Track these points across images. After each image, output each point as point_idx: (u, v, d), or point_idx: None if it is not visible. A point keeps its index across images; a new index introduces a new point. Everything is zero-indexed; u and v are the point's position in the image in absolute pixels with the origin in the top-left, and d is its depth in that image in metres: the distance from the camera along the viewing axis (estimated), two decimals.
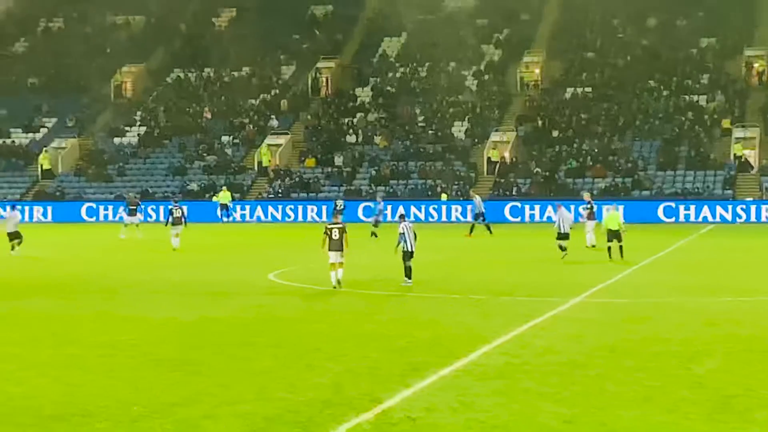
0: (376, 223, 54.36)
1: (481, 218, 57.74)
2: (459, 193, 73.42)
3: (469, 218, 59.60)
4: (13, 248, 42.90)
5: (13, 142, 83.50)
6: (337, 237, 30.41)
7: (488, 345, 21.25)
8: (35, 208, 73.86)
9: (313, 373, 18.63)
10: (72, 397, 17.06)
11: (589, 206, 47.68)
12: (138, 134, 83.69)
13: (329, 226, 30.70)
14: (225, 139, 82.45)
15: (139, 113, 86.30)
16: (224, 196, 72.23)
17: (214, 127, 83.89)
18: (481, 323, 24.58)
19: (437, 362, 19.23)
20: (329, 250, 30.45)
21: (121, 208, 55.68)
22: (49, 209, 74.00)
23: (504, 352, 20.52)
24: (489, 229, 56.82)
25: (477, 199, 58.95)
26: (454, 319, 25.35)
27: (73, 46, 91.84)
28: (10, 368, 19.42)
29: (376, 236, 51.85)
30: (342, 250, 30.41)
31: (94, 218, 72.70)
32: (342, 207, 57.79)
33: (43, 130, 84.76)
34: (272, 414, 15.58)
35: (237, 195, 75.28)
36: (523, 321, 24.49)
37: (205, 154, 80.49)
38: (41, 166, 79.43)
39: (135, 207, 54.01)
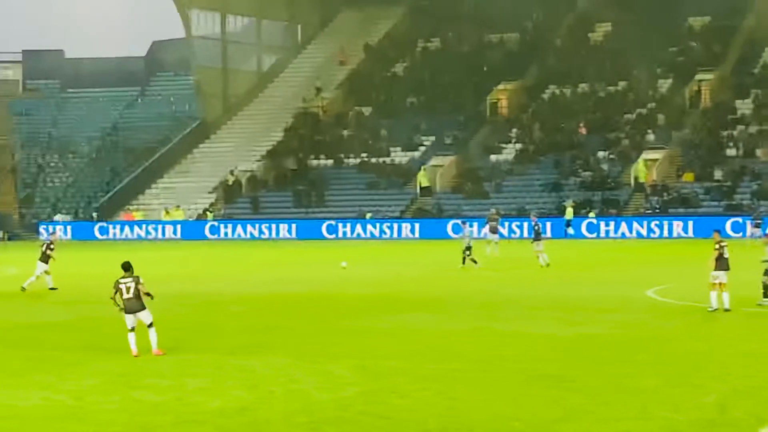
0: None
1: None
2: None
3: None
4: None
5: (393, 160, 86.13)
6: (727, 255, 29.32)
7: None
8: (403, 225, 75.87)
9: (697, 392, 18.13)
10: (454, 411, 17.31)
11: None
12: (514, 151, 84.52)
13: (722, 244, 29.54)
14: (601, 154, 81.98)
15: (514, 130, 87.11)
16: (569, 212, 72.08)
17: (589, 142, 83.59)
18: None
19: None
20: (715, 269, 29.24)
21: (486, 227, 56.09)
22: (417, 226, 75.70)
23: None
24: None
25: None
26: None
27: (450, 66, 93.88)
28: (396, 381, 19.94)
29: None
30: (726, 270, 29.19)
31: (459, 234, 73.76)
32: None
33: (422, 149, 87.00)
34: None
35: (613, 211, 74.66)
36: None
37: (580, 170, 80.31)
38: (419, 183, 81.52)
39: (495, 224, 54.32)
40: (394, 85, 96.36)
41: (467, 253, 45.67)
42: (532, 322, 28.10)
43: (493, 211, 59.71)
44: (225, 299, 35.33)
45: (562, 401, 17.84)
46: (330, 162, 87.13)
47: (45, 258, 38.07)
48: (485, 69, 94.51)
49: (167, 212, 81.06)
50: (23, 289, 37.54)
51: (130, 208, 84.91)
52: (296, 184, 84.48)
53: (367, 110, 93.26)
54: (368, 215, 77.72)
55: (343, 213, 79.83)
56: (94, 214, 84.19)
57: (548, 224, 68.33)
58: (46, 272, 38.18)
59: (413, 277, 42.27)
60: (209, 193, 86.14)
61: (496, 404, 17.76)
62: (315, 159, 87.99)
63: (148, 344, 23.22)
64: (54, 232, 41.00)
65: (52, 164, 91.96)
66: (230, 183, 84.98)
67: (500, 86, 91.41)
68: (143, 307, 23.33)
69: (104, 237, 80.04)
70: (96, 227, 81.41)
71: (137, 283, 23.28)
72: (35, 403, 18.58)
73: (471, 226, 49.96)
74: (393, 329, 27.25)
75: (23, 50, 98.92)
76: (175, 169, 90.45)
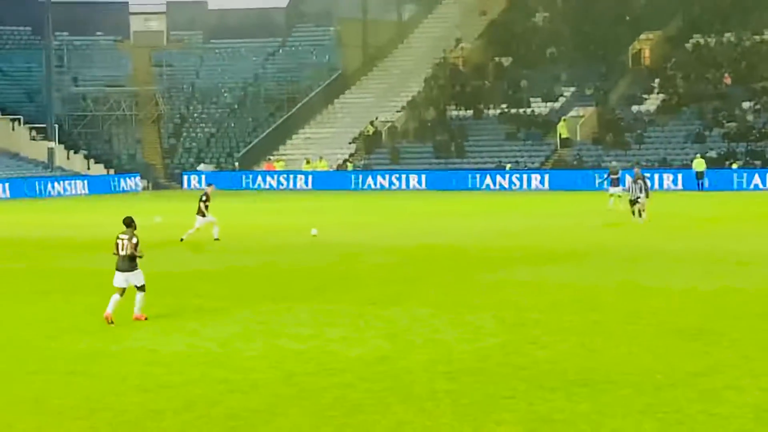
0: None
1: None
2: None
3: None
4: None
5: (533, 111, 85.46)
6: None
7: None
8: (543, 176, 75.10)
9: None
10: (595, 363, 17.22)
11: None
12: (656, 101, 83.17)
13: None
14: (745, 105, 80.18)
15: (656, 81, 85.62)
16: (698, 164, 70.59)
17: (733, 93, 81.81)
18: None
19: None
20: None
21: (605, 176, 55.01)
22: (554, 177, 74.96)
23: None
24: None
25: None
26: None
27: (591, 16, 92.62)
28: (535, 333, 19.90)
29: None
30: None
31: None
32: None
33: (562, 99, 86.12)
34: None
35: (757, 162, 73.08)
36: None
37: (724, 121, 78.72)
38: (559, 135, 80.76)
39: (616, 177, 53.11)
40: (534, 36, 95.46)
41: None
42: (673, 276, 27.73)
43: (615, 164, 58.44)
44: (365, 250, 35.56)
45: (704, 355, 17.63)
46: (469, 113, 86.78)
47: (201, 211, 38.17)
48: (627, 18, 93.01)
49: (308, 162, 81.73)
50: (181, 239, 37.83)
51: (271, 158, 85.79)
52: (436, 135, 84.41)
53: (506, 61, 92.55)
54: (507, 166, 77.32)
55: (482, 164, 79.57)
56: (236, 164, 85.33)
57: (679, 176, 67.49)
58: (213, 223, 38.36)
59: (553, 228, 42.02)
60: (349, 143, 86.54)
61: (637, 357, 17.62)
62: (455, 110, 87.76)
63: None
64: (211, 184, 41.15)
65: (195, 115, 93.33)
66: (370, 134, 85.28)
67: (643, 36, 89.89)
68: (135, 268, 21.62)
69: (246, 187, 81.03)
70: (240, 177, 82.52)
71: (131, 240, 21.53)
72: (180, 349, 18.98)
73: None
74: (533, 281, 27.15)
75: (167, 1, 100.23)
76: (315, 120, 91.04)
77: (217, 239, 37.95)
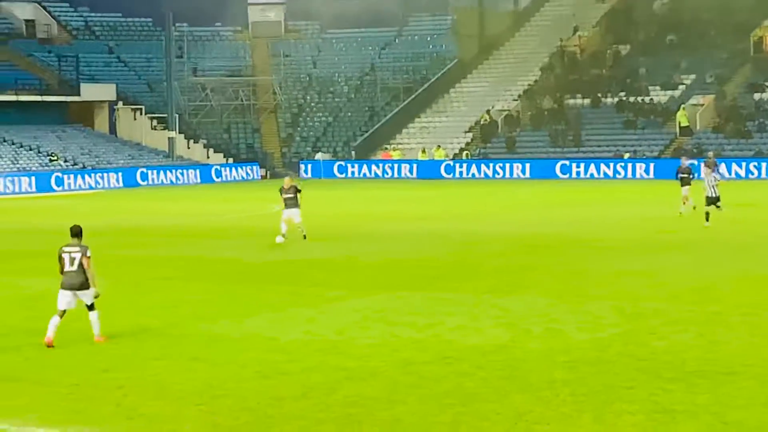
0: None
1: None
2: None
3: None
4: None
5: (652, 100, 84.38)
6: None
7: None
8: (661, 165, 74.08)
9: None
10: (715, 354, 17.00)
11: None
12: None
13: None
14: None
15: None
16: None
17: None
18: None
19: None
20: None
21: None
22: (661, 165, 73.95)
23: None
24: None
25: None
26: None
27: (711, 2, 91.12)
28: (654, 323, 19.70)
29: None
30: None
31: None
32: None
33: (681, 87, 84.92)
34: None
35: None
36: None
37: None
38: (679, 123, 79.68)
39: (688, 176, 50.57)
40: (653, 23, 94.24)
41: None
42: None
43: (711, 153, 56.34)
44: (482, 238, 35.50)
45: None
46: (587, 101, 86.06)
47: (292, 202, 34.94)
48: (749, 5, 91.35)
49: (424, 152, 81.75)
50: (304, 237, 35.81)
51: (388, 147, 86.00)
52: (552, 124, 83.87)
53: (624, 48, 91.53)
54: (626, 155, 76.51)
55: (599, 152, 78.83)
56: (353, 153, 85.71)
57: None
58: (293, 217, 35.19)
59: (669, 218, 41.46)
60: (465, 132, 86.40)
61: (759, 348, 17.34)
62: (571, 98, 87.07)
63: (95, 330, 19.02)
64: (288, 174, 39.45)
65: (312, 104, 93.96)
66: (486, 122, 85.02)
67: (765, 23, 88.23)
68: (86, 285, 18.55)
69: (362, 176, 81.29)
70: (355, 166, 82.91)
71: (84, 254, 18.49)
72: (298, 336, 19.15)
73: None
74: (650, 271, 26.84)
75: None
76: (432, 109, 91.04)
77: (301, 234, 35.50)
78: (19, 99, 79.29)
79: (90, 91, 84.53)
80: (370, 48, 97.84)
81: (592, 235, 35.69)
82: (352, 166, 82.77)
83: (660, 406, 13.96)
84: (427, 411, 13.95)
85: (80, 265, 18.43)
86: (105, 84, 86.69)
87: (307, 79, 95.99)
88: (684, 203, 41.84)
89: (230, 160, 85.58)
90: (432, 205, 51.09)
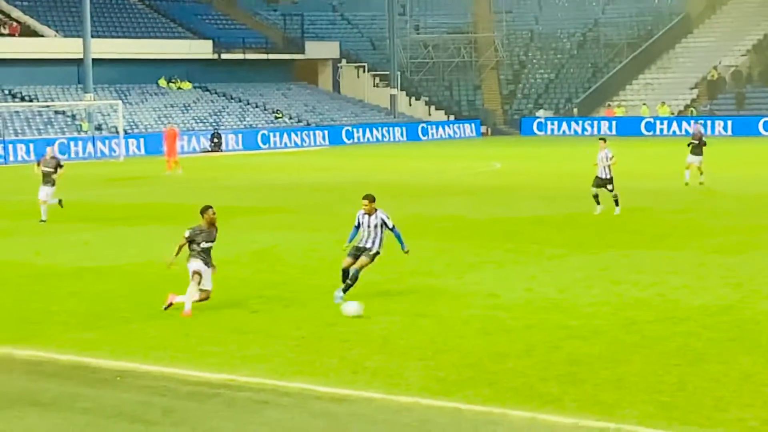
0: None
1: None
2: None
3: None
4: None
5: None
6: None
7: None
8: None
9: None
10: None
11: None
12: None
13: None
14: None
15: None
16: None
17: None
18: None
19: None
20: None
21: None
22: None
23: None
24: None
25: None
26: None
27: None
28: None
29: None
30: None
31: None
32: None
33: None
34: None
35: None
36: None
37: None
38: None
39: (698, 143, 47.77)
40: None
41: None
42: None
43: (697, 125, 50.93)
44: (708, 197, 34.77)
45: None
46: None
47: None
48: None
49: (646, 108, 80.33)
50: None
51: (611, 104, 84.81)
52: None
53: None
54: None
55: None
56: (575, 110, 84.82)
57: None
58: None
59: None
60: (690, 89, 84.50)
61: None
62: None
63: None
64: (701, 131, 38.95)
65: (534, 61, 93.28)
66: (713, 78, 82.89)
67: None
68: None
69: (585, 133, 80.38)
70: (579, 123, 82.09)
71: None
72: (519, 294, 19.14)
73: None
74: None
75: None
76: (656, 65, 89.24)
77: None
78: (246, 57, 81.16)
79: (314, 49, 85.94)
80: (594, 3, 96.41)
81: None
82: (577, 124, 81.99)
83: None
84: (652, 370, 13.76)
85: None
86: (329, 42, 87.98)
87: (529, 35, 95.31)
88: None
89: (451, 118, 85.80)
90: (653, 163, 50.12)
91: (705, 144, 39.15)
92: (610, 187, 30.83)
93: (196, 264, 18.00)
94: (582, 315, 17.21)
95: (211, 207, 18.36)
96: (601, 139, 31.95)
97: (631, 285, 19.60)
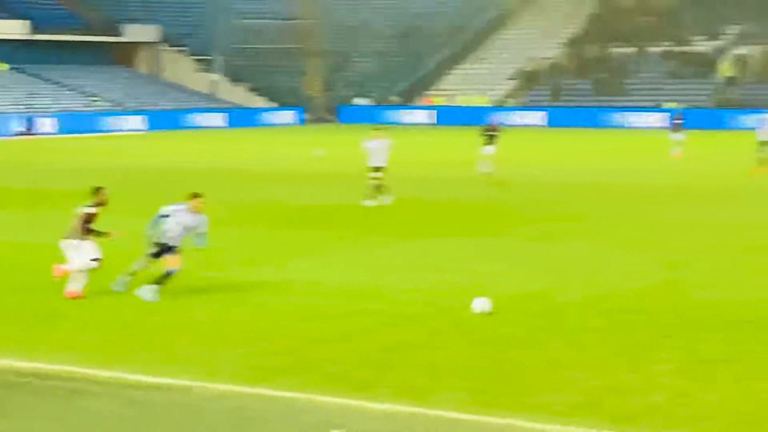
0: None
1: None
2: None
3: None
4: None
5: (696, 49, 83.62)
6: None
7: None
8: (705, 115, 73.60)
9: None
10: (757, 305, 16.98)
11: None
12: None
13: None
14: None
15: None
16: None
17: None
18: None
19: None
20: None
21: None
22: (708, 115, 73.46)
23: None
24: None
25: None
26: None
27: None
28: (696, 274, 19.65)
29: None
30: None
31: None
32: None
33: (728, 38, 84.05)
34: None
35: None
36: None
37: None
38: (723, 73, 79.02)
39: (680, 122, 50.17)
40: None
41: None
42: None
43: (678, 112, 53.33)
44: (528, 184, 35.50)
45: None
46: (632, 50, 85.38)
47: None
48: None
49: (464, 97, 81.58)
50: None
51: (428, 93, 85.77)
52: (597, 72, 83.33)
53: None
54: (671, 105, 76.01)
55: (642, 102, 78.40)
56: (394, 99, 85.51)
57: None
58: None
59: (710, 167, 41.23)
60: (508, 80, 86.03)
61: None
62: (616, 47, 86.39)
63: None
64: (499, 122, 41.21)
65: (358, 50, 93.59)
66: (530, 70, 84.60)
67: None
68: None
69: (404, 120, 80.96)
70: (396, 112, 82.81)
71: None
72: (339, 281, 19.21)
73: None
74: (695, 219, 26.81)
75: None
76: (475, 55, 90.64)
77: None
78: (63, 39, 79.48)
79: (134, 32, 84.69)
80: None
81: (639, 183, 35.58)
82: (396, 112, 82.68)
83: (697, 356, 13.97)
84: (464, 357, 13.96)
85: None
86: (149, 25, 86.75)
87: (353, 24, 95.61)
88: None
89: (274, 104, 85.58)
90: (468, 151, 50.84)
91: (498, 134, 40.59)
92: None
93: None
94: (398, 302, 17.38)
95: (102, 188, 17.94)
96: (375, 129, 32.50)
97: (447, 272, 19.85)
